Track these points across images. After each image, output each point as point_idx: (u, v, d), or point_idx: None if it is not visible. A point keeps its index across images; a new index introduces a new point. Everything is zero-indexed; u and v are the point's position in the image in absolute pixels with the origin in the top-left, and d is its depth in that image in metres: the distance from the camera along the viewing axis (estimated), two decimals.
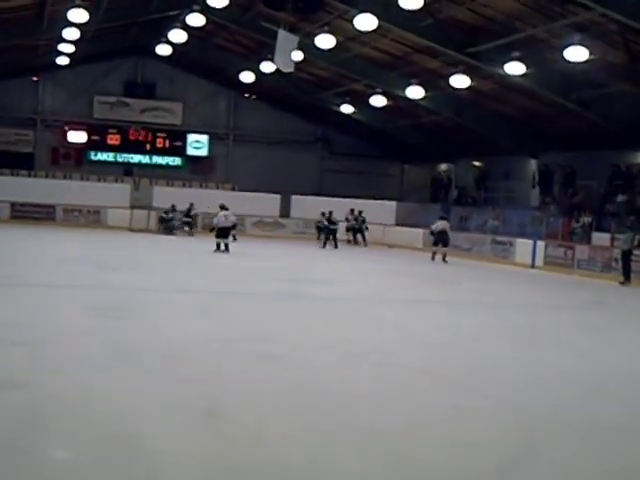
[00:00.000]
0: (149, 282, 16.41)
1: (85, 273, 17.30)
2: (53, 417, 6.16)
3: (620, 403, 7.77)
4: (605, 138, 27.46)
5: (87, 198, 35.89)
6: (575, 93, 25.76)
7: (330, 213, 32.80)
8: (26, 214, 35.96)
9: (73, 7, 25.51)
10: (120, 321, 10.78)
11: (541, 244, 26.86)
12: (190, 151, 43.06)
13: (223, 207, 26.53)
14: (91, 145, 41.89)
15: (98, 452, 5.36)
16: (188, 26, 29.30)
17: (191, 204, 35.07)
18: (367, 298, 15.77)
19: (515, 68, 24.01)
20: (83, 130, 41.58)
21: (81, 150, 41.90)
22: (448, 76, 27.02)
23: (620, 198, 27.44)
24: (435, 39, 25.03)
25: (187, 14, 28.35)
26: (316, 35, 26.33)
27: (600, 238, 25.94)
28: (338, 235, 32.93)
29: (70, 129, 41.47)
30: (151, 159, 42.70)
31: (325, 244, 32.41)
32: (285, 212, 38.54)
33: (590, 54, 21.03)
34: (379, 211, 37.52)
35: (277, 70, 28.96)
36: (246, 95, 42.66)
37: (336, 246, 32.23)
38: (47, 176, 39.83)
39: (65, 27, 27.90)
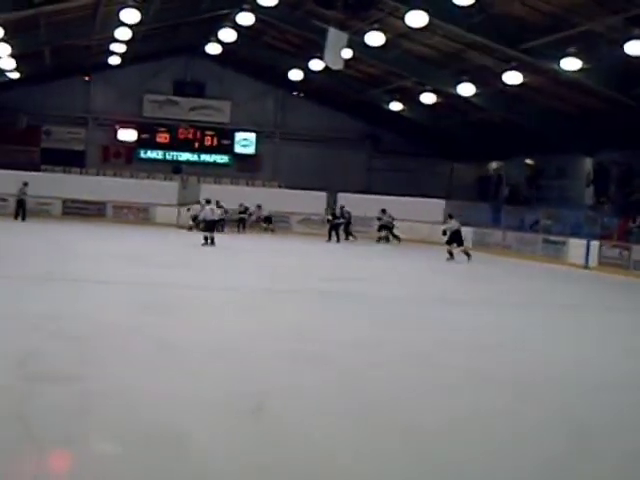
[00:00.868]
0: (197, 279, 16.41)
1: (134, 270, 17.36)
2: (102, 411, 6.19)
3: None
4: None
5: (136, 195, 36.04)
6: (634, 88, 25.26)
7: (341, 208, 33.52)
8: (77, 211, 36.21)
9: (126, 7, 25.66)
10: (168, 318, 10.76)
11: (595, 244, 26.22)
12: (238, 149, 43.21)
13: (208, 201, 27.31)
14: (141, 143, 42.28)
15: (146, 447, 5.40)
16: (238, 25, 29.38)
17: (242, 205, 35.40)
18: (413, 297, 15.61)
19: (571, 64, 23.66)
20: (133, 128, 41.94)
21: (131, 148, 42.27)
22: (500, 73, 26.75)
23: None
24: (487, 35, 24.76)
25: (237, 13, 28.43)
26: (366, 32, 26.20)
27: None
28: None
29: (120, 127, 41.83)
30: (199, 157, 42.92)
31: (329, 238, 32.70)
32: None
33: None
34: (427, 209, 37.17)
35: (326, 68, 28.93)
36: (294, 93, 42.66)
37: (338, 240, 32.67)
38: (98, 174, 40.28)
39: (117, 27, 28.08)
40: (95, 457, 5.22)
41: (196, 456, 5.29)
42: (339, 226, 33.11)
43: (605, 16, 21.44)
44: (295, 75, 35.07)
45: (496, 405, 7.15)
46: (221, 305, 12.69)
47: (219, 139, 42.99)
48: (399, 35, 27.91)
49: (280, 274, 18.56)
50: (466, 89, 29.58)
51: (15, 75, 34.76)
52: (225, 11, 30.71)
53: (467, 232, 32.88)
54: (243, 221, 35.82)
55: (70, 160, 40.58)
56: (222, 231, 29.48)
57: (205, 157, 43.05)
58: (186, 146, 42.70)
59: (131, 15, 26.04)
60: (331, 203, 37.70)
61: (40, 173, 38.20)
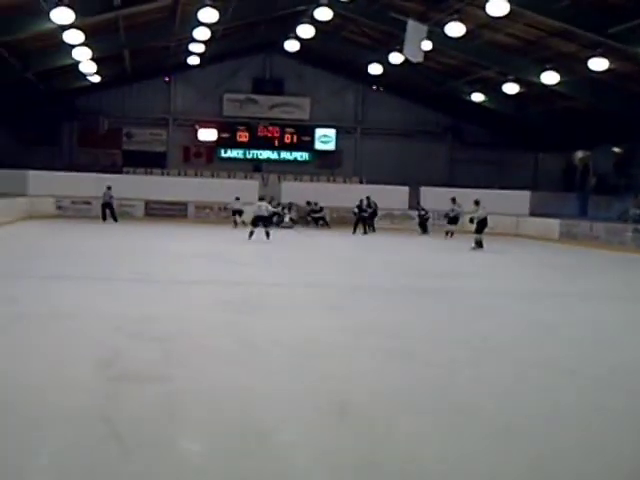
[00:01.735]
0: (279, 277, 16.35)
1: (217, 269, 17.49)
2: (186, 410, 6.21)
3: None
4: None
5: (217, 195, 36.16)
6: None
7: (368, 199, 33.08)
8: (159, 212, 36.51)
9: (203, 7, 25.82)
10: (250, 316, 10.74)
11: None
12: (318, 145, 43.26)
13: (262, 198, 28.06)
14: (221, 142, 42.65)
15: (230, 445, 5.42)
16: (316, 21, 29.39)
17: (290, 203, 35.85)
18: (500, 291, 15.27)
19: None
20: (213, 128, 42.28)
21: (212, 148, 42.66)
22: (585, 59, 26.19)
23: None
24: (572, 21, 24.23)
25: (314, 9, 28.43)
26: (446, 23, 25.92)
27: None
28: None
29: (201, 127, 42.22)
30: (279, 155, 43.10)
31: (355, 230, 32.39)
32: (414, 204, 38.05)
33: None
34: (512, 201, 36.66)
35: (406, 61, 28.70)
36: (374, 87, 42.52)
37: (365, 232, 32.32)
38: (179, 174, 40.65)
39: (196, 27, 28.28)
40: (181, 457, 5.23)
41: (280, 455, 5.30)
42: (366, 218, 32.77)
43: None
44: (374, 69, 34.91)
45: (588, 402, 6.91)
46: (303, 302, 12.62)
47: (299, 136, 43.08)
48: (480, 25, 27.54)
49: (359, 270, 18.42)
50: (550, 77, 29.03)
51: (96, 79, 35.32)
52: (303, 7, 30.73)
53: (554, 224, 32.50)
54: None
55: (152, 161, 41.17)
56: (274, 226, 29.80)
57: (285, 155, 43.19)
58: (266, 144, 42.91)
59: (209, 14, 26.25)
60: (417, 197, 37.47)
61: (122, 175, 38.76)
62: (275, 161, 43.00)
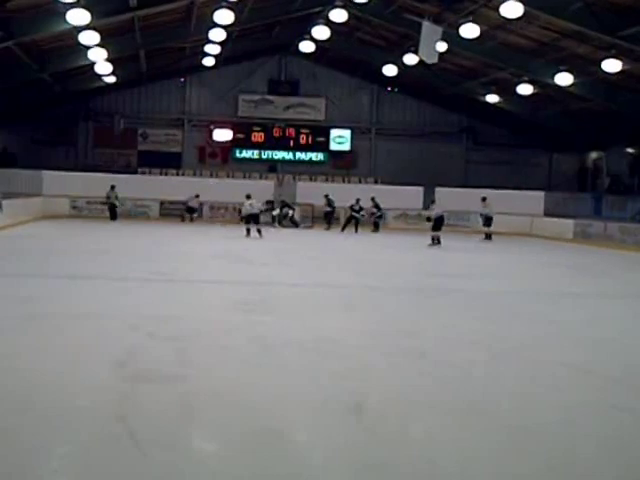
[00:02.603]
0: (295, 277, 16.40)
1: (233, 269, 17.55)
2: (201, 410, 6.24)
3: None
4: None
5: (233, 195, 36.24)
6: None
7: (357, 201, 33.27)
8: (174, 212, 36.61)
9: (219, 8, 25.91)
10: (266, 316, 10.77)
11: None
12: (333, 146, 43.21)
13: (248, 196, 28.29)
14: (236, 143, 42.63)
15: (247, 446, 5.42)
16: (331, 22, 29.47)
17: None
18: (514, 291, 15.25)
19: None
20: (228, 129, 42.29)
21: (227, 148, 42.67)
22: (599, 61, 26.16)
23: None
24: (585, 23, 24.21)
25: (330, 10, 28.49)
26: (460, 25, 25.92)
27: None
28: None
29: (216, 128, 42.27)
30: (294, 155, 43.05)
31: (344, 229, 32.84)
32: (429, 204, 38.01)
33: None
34: (526, 202, 36.67)
35: (420, 62, 28.77)
36: (389, 88, 42.54)
37: (355, 230, 32.57)
38: (194, 174, 40.72)
39: (211, 28, 28.37)
40: (196, 456, 5.25)
41: (295, 455, 5.31)
42: (357, 219, 33.04)
43: None
44: (389, 70, 34.92)
45: (604, 402, 6.90)
46: (317, 302, 12.64)
47: (314, 137, 43.05)
48: (494, 26, 27.54)
49: (375, 270, 18.42)
50: (564, 79, 29.03)
51: (111, 79, 35.42)
52: (318, 8, 30.78)
53: (568, 224, 32.46)
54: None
55: (167, 162, 41.23)
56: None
57: (300, 155, 43.15)
58: (281, 145, 42.88)
59: (225, 16, 26.33)
60: (429, 196, 37.52)
61: (137, 175, 38.91)
62: (290, 161, 42.98)
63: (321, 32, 30.50)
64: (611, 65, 25.84)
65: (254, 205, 27.85)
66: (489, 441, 5.72)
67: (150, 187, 36.29)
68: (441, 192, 37.02)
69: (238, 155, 42.77)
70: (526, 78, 31.92)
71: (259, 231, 27.12)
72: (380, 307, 12.34)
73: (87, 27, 24.79)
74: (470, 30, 25.77)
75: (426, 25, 25.75)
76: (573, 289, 16.26)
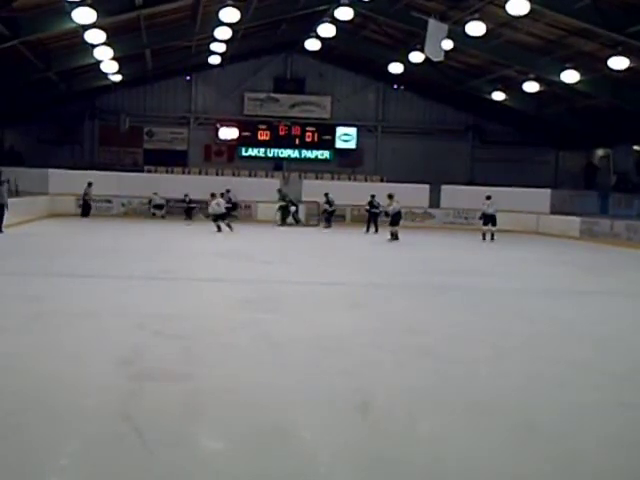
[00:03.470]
0: (299, 275, 16.44)
1: (237, 266, 17.55)
2: (206, 408, 6.28)
3: None
4: None
5: (239, 193, 36.27)
6: None
7: (372, 197, 32.14)
8: (179, 210, 36.56)
9: (225, 6, 25.91)
10: (272, 314, 10.80)
11: None
12: (339, 144, 43.15)
13: (213, 195, 29.05)
14: (242, 141, 42.58)
15: (252, 444, 5.44)
16: (337, 20, 29.38)
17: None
18: (520, 289, 15.23)
19: None
20: (234, 127, 42.27)
21: (232, 146, 42.65)
22: (606, 58, 26.04)
23: None
24: (592, 20, 24.12)
25: (336, 8, 28.41)
26: (466, 22, 25.80)
27: None
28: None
29: (222, 126, 42.23)
30: (300, 153, 43.00)
31: (368, 229, 31.70)
32: (435, 202, 38.04)
33: None
34: (533, 199, 36.59)
35: (426, 60, 28.69)
36: (395, 86, 42.48)
37: (376, 230, 31.35)
38: (200, 172, 40.68)
39: (217, 26, 28.36)
40: (203, 455, 5.27)
41: (301, 453, 5.33)
42: (377, 215, 32.20)
43: None
44: (395, 68, 34.83)
45: (609, 399, 6.90)
46: (322, 299, 12.66)
47: (320, 135, 42.99)
48: (500, 24, 27.48)
49: (379, 268, 18.43)
50: (570, 76, 28.91)
51: (117, 78, 35.42)
52: (324, 6, 30.73)
53: (575, 222, 32.40)
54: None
55: (173, 160, 41.19)
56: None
57: (306, 153, 43.10)
58: (287, 143, 42.83)
59: (231, 14, 26.28)
60: (435, 194, 37.56)
61: (143, 174, 38.88)
62: (296, 159, 42.93)
63: (327, 30, 30.43)
64: (618, 62, 25.74)
65: (220, 204, 28.31)
66: (494, 439, 5.73)
67: (156, 185, 36.24)
68: (446, 190, 37.06)
69: (244, 153, 42.73)
70: (532, 76, 31.81)
71: (229, 226, 27.77)
72: (385, 305, 12.35)
73: (93, 26, 24.75)
74: (476, 28, 25.66)
75: (432, 23, 25.72)
76: (579, 287, 16.23)
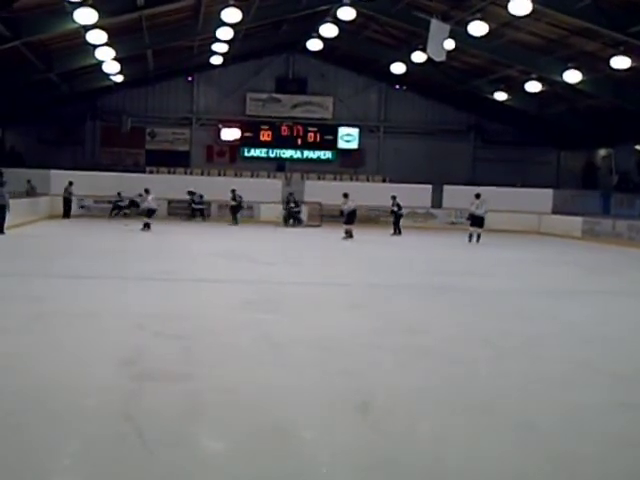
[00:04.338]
0: (300, 275, 16.48)
1: (239, 268, 17.54)
2: (208, 408, 6.28)
3: None
4: None
5: (241, 194, 36.25)
6: None
7: (394, 198, 31.31)
8: (182, 211, 36.59)
9: (227, 7, 25.92)
10: (273, 314, 10.81)
11: None
12: (341, 144, 43.17)
13: (147, 191, 29.11)
14: (244, 142, 42.61)
15: (253, 444, 5.43)
16: (339, 20, 29.37)
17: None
18: (521, 289, 15.24)
19: None
20: (236, 127, 42.28)
21: (235, 147, 42.67)
22: (608, 58, 26.06)
23: None
24: (594, 20, 24.15)
25: (338, 8, 28.40)
26: (468, 22, 25.84)
27: None
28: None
29: (224, 127, 42.25)
30: (302, 154, 43.02)
31: (395, 231, 30.93)
32: (437, 203, 38.03)
33: None
34: (534, 199, 36.61)
35: (428, 60, 28.68)
36: (397, 86, 42.46)
37: (399, 232, 30.80)
38: (202, 173, 40.66)
39: (219, 27, 28.38)
40: (203, 455, 5.26)
41: (301, 453, 5.33)
42: (400, 217, 31.76)
43: None
44: (397, 68, 34.83)
45: (612, 399, 6.88)
46: (323, 300, 12.65)
47: (322, 135, 43.00)
48: (502, 24, 27.47)
49: (381, 268, 18.42)
50: (572, 76, 28.92)
51: (119, 78, 35.44)
52: (326, 6, 30.72)
53: (576, 222, 32.40)
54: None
55: (175, 161, 41.18)
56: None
57: (308, 153, 43.11)
58: (289, 143, 42.85)
59: (232, 14, 26.32)
60: (437, 194, 37.56)
61: (145, 174, 38.83)
62: (298, 160, 42.93)
63: (329, 30, 30.41)
64: (620, 62, 25.75)
65: (152, 201, 28.45)
66: (496, 439, 5.73)
67: (158, 186, 36.19)
68: (448, 190, 37.04)
69: (246, 154, 42.75)
70: (534, 75, 31.83)
71: (148, 225, 27.80)
72: (385, 305, 12.35)
73: (94, 26, 24.80)
74: (478, 28, 25.70)
75: (434, 23, 25.72)
76: (581, 287, 16.24)
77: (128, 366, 7.40)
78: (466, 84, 37.63)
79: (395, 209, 31.16)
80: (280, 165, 42.67)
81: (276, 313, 10.91)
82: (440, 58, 26.58)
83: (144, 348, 8.22)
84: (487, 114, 42.44)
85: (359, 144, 43.28)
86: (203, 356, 8.00)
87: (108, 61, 30.19)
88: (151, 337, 8.81)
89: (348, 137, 43.24)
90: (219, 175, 40.42)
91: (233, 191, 34.31)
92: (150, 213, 28.71)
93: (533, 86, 32.31)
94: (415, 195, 36.69)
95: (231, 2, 26.01)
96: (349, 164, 43.01)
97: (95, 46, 27.41)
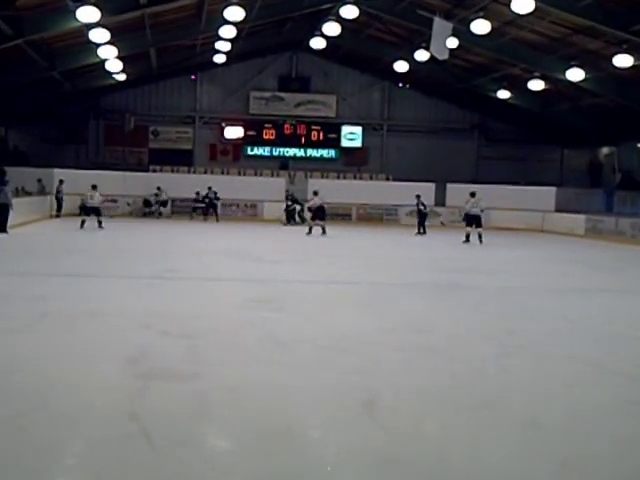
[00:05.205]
0: (306, 274, 16.48)
1: (244, 266, 17.50)
2: (214, 407, 6.28)
3: None
4: None
5: (244, 192, 36.30)
6: None
7: (418, 197, 31.19)
8: (186, 210, 36.56)
9: (230, 5, 25.93)
10: (279, 313, 10.81)
11: None
12: (344, 143, 43.19)
13: (94, 187, 28.16)
14: (247, 140, 42.64)
15: (260, 443, 5.41)
16: (342, 18, 29.39)
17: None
18: (525, 287, 15.20)
19: None
20: (239, 126, 42.28)
21: (238, 145, 42.68)
22: (611, 56, 26.04)
23: None
24: (597, 18, 24.16)
25: (341, 6, 28.43)
26: (471, 21, 25.86)
27: None
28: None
29: (227, 125, 42.26)
30: (306, 152, 43.05)
31: (420, 230, 30.70)
32: (440, 201, 37.99)
33: None
34: (538, 197, 36.60)
35: (431, 58, 28.67)
36: (400, 85, 42.44)
37: (424, 231, 30.62)
38: (206, 172, 40.66)
39: (222, 25, 28.38)
40: (210, 455, 5.24)
41: (308, 452, 5.32)
42: (426, 216, 31.61)
43: None
44: (400, 66, 34.82)
45: (619, 397, 6.86)
46: (330, 299, 12.63)
47: (325, 133, 43.02)
48: (505, 22, 27.47)
49: (387, 267, 18.42)
50: (575, 74, 28.92)
51: (122, 77, 35.45)
52: (329, 5, 30.69)
53: (580, 220, 32.39)
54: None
55: (178, 159, 41.17)
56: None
57: (312, 152, 43.13)
58: (293, 142, 42.88)
59: (235, 13, 26.34)
60: (441, 193, 37.53)
61: (148, 173, 38.84)
62: (302, 158, 42.95)
63: (332, 29, 30.41)
64: (622, 60, 25.74)
65: (95, 198, 27.91)
66: (502, 438, 5.70)
67: (161, 185, 36.21)
68: (452, 188, 36.99)
69: (249, 152, 42.80)
70: (537, 74, 31.81)
71: (99, 222, 27.21)
72: (392, 304, 12.32)
73: (97, 25, 24.78)
74: (481, 26, 25.73)
75: (437, 21, 25.71)
76: (585, 285, 16.21)
77: (134, 365, 7.40)
78: (469, 82, 37.61)
79: (421, 208, 30.98)
80: (283, 164, 42.69)
81: (282, 312, 10.90)
82: (443, 56, 26.56)
83: (150, 347, 8.21)
84: (490, 112, 42.45)
85: (362, 142, 43.30)
86: (209, 355, 7.99)
87: (111, 59, 30.20)
88: (157, 336, 8.79)
89: (351, 135, 43.26)
90: (222, 174, 40.38)
91: (209, 188, 34.70)
92: (88, 211, 28.09)
93: (536, 84, 32.30)
94: (418, 193, 36.60)
95: (234, 0, 26.00)
96: (352, 162, 43.02)
97: (98, 44, 27.39)
